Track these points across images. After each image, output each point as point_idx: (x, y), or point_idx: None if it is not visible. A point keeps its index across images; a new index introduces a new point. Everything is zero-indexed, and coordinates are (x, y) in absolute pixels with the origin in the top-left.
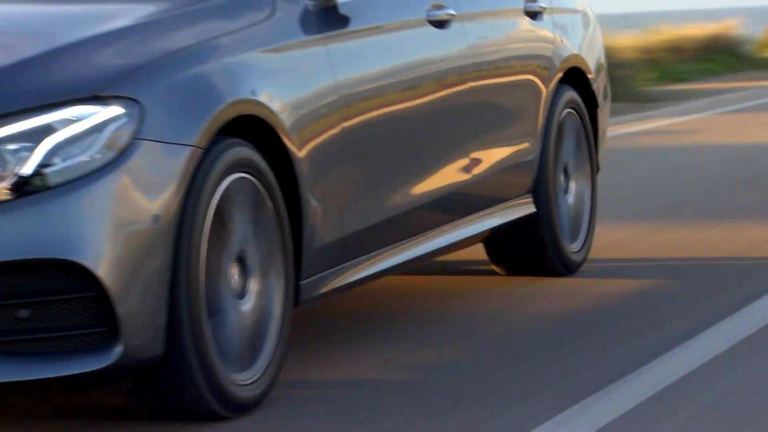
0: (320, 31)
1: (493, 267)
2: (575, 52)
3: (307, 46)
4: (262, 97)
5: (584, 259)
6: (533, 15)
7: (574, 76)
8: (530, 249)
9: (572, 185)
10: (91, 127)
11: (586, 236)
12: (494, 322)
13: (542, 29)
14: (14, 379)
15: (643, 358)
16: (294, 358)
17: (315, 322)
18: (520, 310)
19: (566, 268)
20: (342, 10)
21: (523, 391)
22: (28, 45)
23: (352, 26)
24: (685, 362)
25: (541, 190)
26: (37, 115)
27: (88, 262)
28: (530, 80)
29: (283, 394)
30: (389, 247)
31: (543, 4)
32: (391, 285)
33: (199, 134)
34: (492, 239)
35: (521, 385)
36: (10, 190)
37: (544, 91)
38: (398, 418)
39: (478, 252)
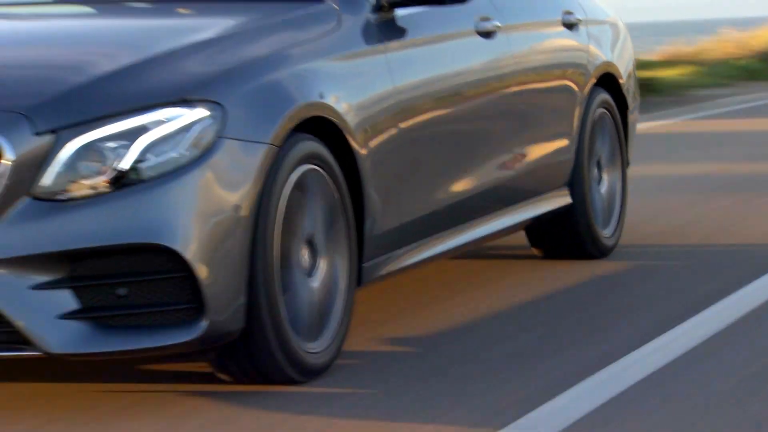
0: (380, 41)
1: (533, 250)
2: (607, 59)
3: (369, 55)
4: (329, 100)
5: (615, 244)
6: (570, 26)
7: (607, 81)
8: (567, 235)
9: (605, 177)
10: (180, 127)
11: (618, 223)
12: (534, 299)
13: (578, 39)
14: (113, 349)
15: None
16: (353, 330)
17: (374, 298)
18: (555, 287)
19: (600, 252)
20: (400, 23)
21: (572, 342)
22: (126, 54)
23: (409, 37)
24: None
25: (576, 183)
26: (133, 117)
27: (177, 246)
28: (567, 85)
29: (346, 362)
30: (441, 234)
31: (579, 17)
32: (443, 268)
33: (274, 133)
34: (532, 227)
35: (555, 343)
36: (109, 182)
37: (580, 94)
38: (442, 383)
39: (518, 238)
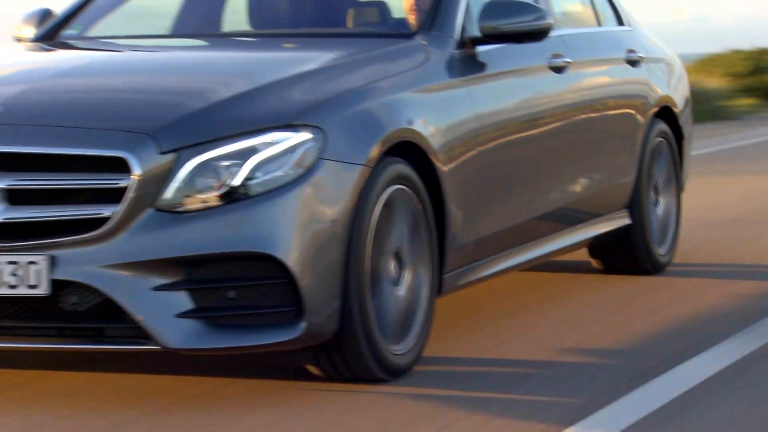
0: (463, 74)
1: (594, 264)
2: (665, 93)
3: (452, 86)
4: (417, 126)
5: (669, 261)
6: (632, 63)
7: (665, 112)
8: (625, 252)
9: (661, 200)
10: (286, 148)
11: (672, 242)
12: (594, 311)
13: (639, 75)
14: (223, 346)
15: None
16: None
17: (450, 308)
18: (616, 301)
19: (654, 268)
20: (480, 58)
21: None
22: (239, 82)
23: (488, 71)
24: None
25: (635, 206)
26: (245, 139)
27: (281, 255)
28: (630, 115)
29: (425, 365)
30: (514, 248)
31: (641, 55)
32: (516, 279)
33: (368, 156)
34: (594, 243)
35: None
36: (222, 197)
37: (641, 124)
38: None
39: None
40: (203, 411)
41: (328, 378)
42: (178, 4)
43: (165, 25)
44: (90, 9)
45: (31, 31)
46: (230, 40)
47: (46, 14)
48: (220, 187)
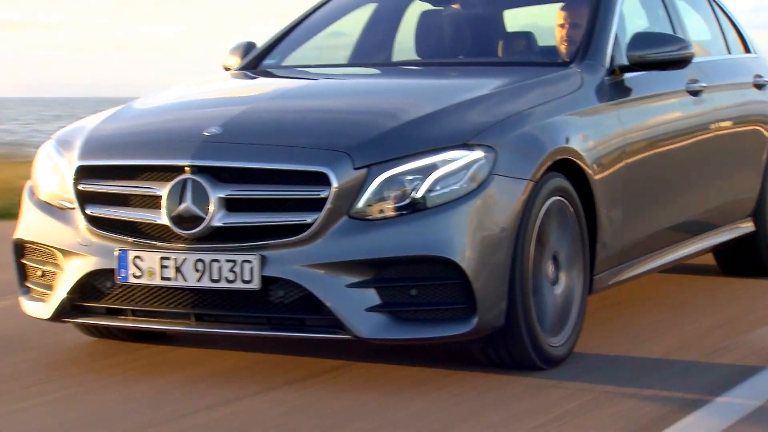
0: (612, 99)
1: (719, 267)
2: None
3: (604, 110)
4: (573, 145)
5: None
6: (759, 87)
7: None
8: (749, 256)
9: None
10: (462, 165)
11: None
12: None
13: (765, 97)
14: (406, 337)
15: None
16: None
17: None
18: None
19: None
20: (627, 84)
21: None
22: (420, 106)
23: (634, 95)
24: None
25: (759, 214)
26: (427, 157)
27: (456, 259)
28: (757, 132)
29: (578, 355)
30: (653, 253)
31: (766, 79)
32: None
33: (532, 172)
34: (719, 248)
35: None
36: (405, 207)
37: (766, 141)
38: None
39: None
40: (369, 393)
41: (493, 366)
42: (353, 38)
43: (344, 55)
44: (285, 42)
45: (235, 61)
46: (402, 68)
47: (250, 47)
48: (404, 199)
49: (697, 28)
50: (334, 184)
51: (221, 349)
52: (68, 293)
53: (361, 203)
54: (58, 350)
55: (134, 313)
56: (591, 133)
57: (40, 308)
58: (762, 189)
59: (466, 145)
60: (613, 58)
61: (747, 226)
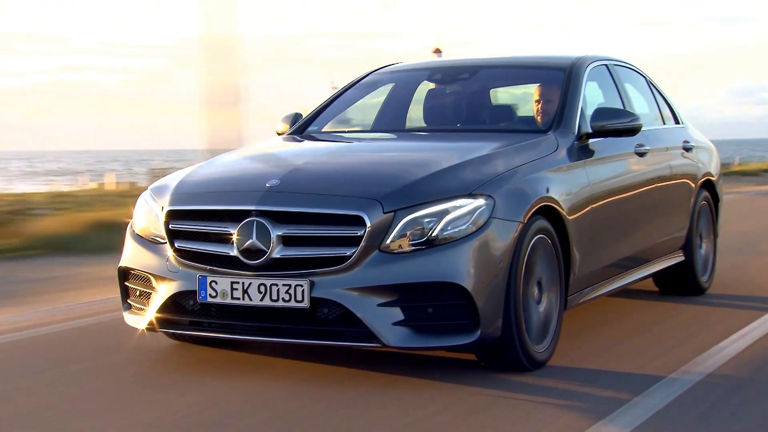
0: (580, 158)
1: (656, 288)
2: (708, 170)
3: (574, 167)
4: (552, 194)
5: (709, 287)
6: (687, 149)
7: (707, 184)
8: (680, 279)
9: (703, 244)
10: (468, 210)
11: (711, 272)
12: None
13: (691, 158)
14: (425, 345)
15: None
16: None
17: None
18: (673, 310)
19: (699, 291)
20: (591, 147)
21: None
22: (432, 164)
23: (597, 155)
24: None
25: (687, 248)
26: (440, 204)
27: (465, 284)
28: (686, 184)
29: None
30: (612, 277)
31: (692, 144)
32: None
33: (523, 215)
34: (658, 274)
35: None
36: (423, 243)
37: (693, 191)
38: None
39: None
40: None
41: (491, 368)
42: (374, 110)
43: (367, 123)
44: (325, 113)
45: (284, 127)
46: (414, 134)
47: (297, 117)
48: (423, 237)
49: (639, 105)
50: (368, 224)
51: (276, 356)
52: (159, 309)
53: (389, 240)
54: (150, 351)
55: (210, 325)
56: (565, 186)
57: (138, 320)
58: (689, 228)
59: (471, 195)
60: (580, 127)
61: (679, 257)
